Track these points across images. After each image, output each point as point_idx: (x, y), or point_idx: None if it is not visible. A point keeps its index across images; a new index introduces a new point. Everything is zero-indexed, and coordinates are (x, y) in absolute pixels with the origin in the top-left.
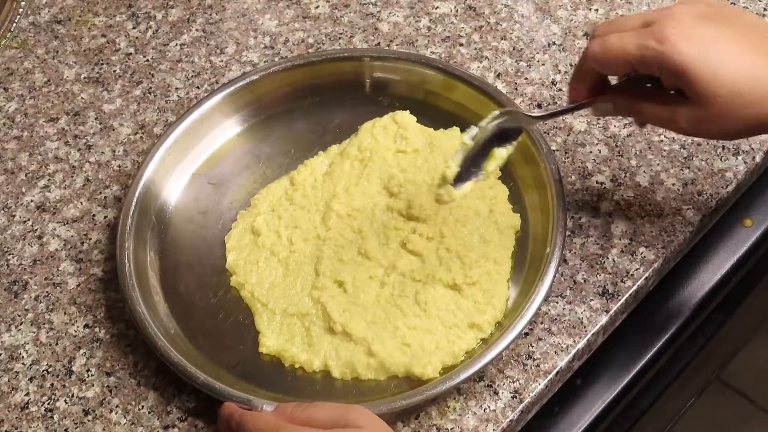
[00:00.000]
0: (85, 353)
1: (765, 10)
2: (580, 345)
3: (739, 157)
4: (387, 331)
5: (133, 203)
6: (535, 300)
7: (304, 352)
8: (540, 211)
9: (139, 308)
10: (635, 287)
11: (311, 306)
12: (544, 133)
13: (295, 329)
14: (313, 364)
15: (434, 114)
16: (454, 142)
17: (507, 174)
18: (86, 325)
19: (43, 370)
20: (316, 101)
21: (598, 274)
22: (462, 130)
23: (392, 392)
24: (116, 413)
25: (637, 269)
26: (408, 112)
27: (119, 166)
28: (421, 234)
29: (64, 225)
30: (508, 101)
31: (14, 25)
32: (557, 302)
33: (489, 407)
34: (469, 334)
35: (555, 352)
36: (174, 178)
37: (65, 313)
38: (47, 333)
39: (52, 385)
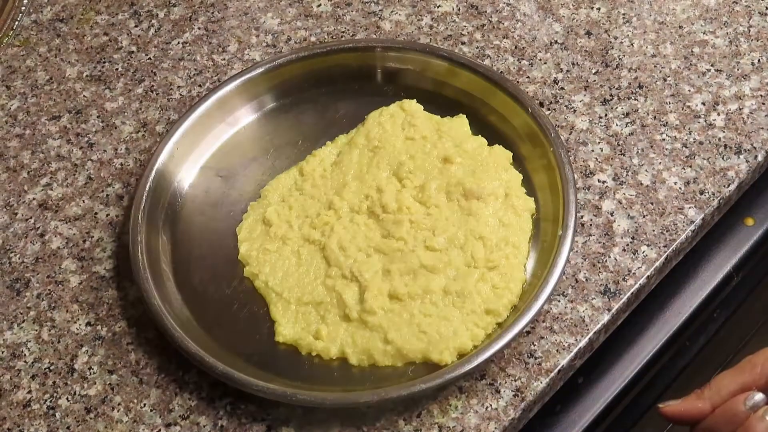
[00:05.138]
0: (87, 351)
1: (767, 9)
2: (582, 343)
3: (741, 156)
4: (403, 319)
5: (144, 197)
6: (551, 279)
7: (320, 340)
8: (550, 194)
9: (154, 301)
10: (637, 286)
11: (325, 294)
12: None
13: (310, 318)
14: (330, 351)
15: (440, 103)
16: (462, 128)
17: (516, 160)
18: (88, 323)
19: (45, 368)
20: (322, 92)
21: (599, 272)
22: (468, 118)
23: (410, 377)
24: (118, 411)
25: (638, 268)
26: (415, 100)
27: (121, 165)
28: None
29: (66, 223)
30: (514, 87)
31: (16, 23)
32: (559, 301)
33: (491, 405)
34: (486, 320)
35: (557, 350)
36: (183, 172)
37: (67, 311)
38: (49, 331)
39: (54, 383)
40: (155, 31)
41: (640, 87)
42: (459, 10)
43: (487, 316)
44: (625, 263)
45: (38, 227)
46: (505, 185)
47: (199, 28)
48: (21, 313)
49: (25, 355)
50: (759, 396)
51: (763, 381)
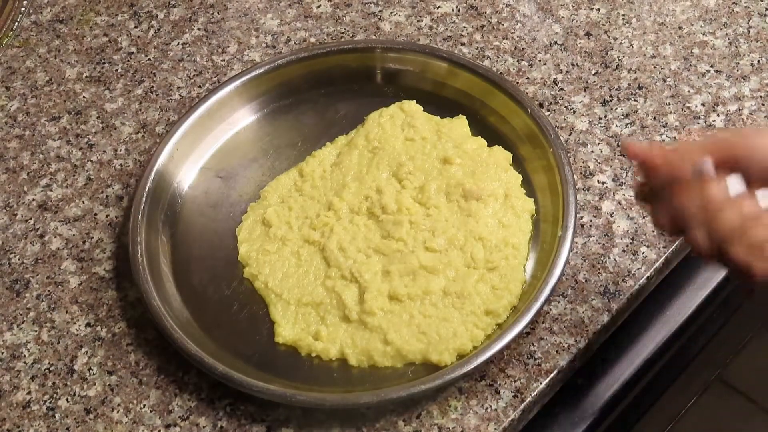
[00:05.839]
0: (86, 352)
1: (767, 10)
2: (582, 344)
3: None
4: (402, 320)
5: (143, 198)
6: (551, 280)
7: (320, 341)
8: (549, 194)
9: (154, 302)
10: (636, 287)
11: (325, 295)
12: None
13: (310, 318)
14: (329, 352)
15: (440, 104)
16: (462, 129)
17: (516, 161)
18: (88, 324)
19: (44, 369)
20: (322, 93)
21: (599, 273)
22: (468, 119)
23: (410, 378)
24: (118, 412)
25: (638, 269)
26: (414, 101)
27: (121, 165)
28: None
29: (66, 224)
30: (513, 88)
31: (16, 24)
32: (559, 302)
33: (490, 406)
34: (486, 321)
35: (556, 351)
36: (182, 173)
37: (67, 312)
38: (49, 332)
39: (53, 383)
40: (155, 32)
41: (640, 88)
42: (459, 11)
43: (486, 317)
44: (625, 264)
45: (38, 228)
46: (504, 186)
47: (198, 29)
48: (21, 314)
49: (24, 356)
50: (708, 165)
51: (723, 154)
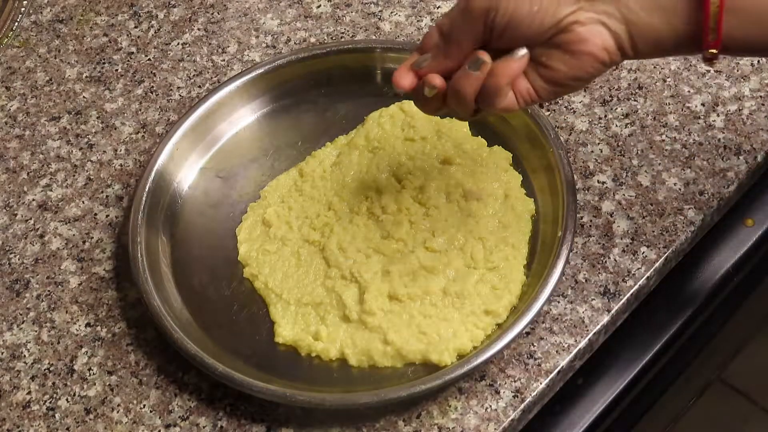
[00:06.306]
0: (86, 352)
1: None
2: (582, 344)
3: (741, 157)
4: (402, 320)
5: (143, 198)
6: (551, 280)
7: (320, 341)
8: (549, 194)
9: (154, 302)
10: (637, 287)
11: (325, 295)
12: None
13: (310, 318)
14: (329, 352)
15: None
16: (462, 129)
17: (516, 161)
18: (88, 324)
19: (44, 369)
20: (322, 93)
21: (599, 273)
22: None
23: (410, 378)
24: (118, 412)
25: (638, 269)
26: None
27: (121, 165)
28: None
29: (66, 224)
30: None
31: (16, 24)
32: (559, 302)
33: (490, 406)
34: (486, 321)
35: (556, 351)
36: (182, 173)
37: (67, 312)
38: (49, 332)
39: (53, 383)
40: (155, 32)
41: (640, 88)
42: None
43: (486, 317)
44: (625, 264)
45: (38, 228)
46: (504, 186)
47: (198, 29)
48: (21, 314)
49: (24, 356)
50: (482, 57)
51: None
